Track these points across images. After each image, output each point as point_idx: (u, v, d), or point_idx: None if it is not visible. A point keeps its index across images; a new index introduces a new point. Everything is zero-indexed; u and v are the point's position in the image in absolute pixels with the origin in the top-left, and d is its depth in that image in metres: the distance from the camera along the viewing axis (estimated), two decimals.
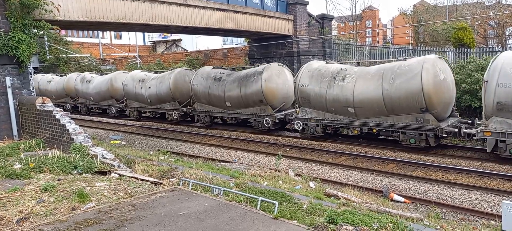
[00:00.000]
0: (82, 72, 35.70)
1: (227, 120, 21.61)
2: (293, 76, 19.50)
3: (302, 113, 17.64)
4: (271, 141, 17.99)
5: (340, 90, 15.82)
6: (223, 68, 22.42)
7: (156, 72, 26.48)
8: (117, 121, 27.31)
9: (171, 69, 25.71)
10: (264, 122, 19.12)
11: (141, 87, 25.07)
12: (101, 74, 31.04)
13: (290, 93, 19.42)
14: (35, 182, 8.38)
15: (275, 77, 19.16)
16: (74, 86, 31.30)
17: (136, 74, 26.49)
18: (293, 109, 19.26)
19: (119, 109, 28.25)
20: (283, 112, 19.35)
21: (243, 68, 21.98)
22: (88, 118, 30.14)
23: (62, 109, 12.61)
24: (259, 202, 6.95)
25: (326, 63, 17.63)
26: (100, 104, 30.11)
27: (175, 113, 23.60)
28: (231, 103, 20.30)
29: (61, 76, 35.02)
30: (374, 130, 15.60)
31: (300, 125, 17.66)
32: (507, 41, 30.78)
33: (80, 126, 11.98)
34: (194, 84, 21.86)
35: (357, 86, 15.35)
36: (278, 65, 20.29)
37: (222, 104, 20.76)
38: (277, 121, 18.94)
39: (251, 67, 20.73)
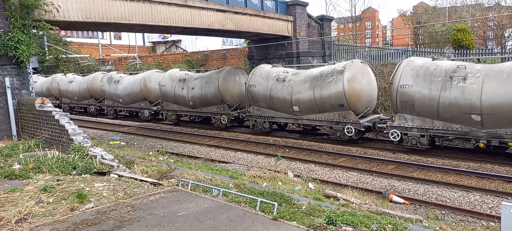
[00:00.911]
0: (82, 72, 35.47)
1: (294, 126, 18.82)
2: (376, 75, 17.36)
3: (400, 121, 14.77)
4: (270, 142, 17.98)
5: (461, 93, 12.94)
6: (285, 66, 19.99)
7: (197, 71, 24.60)
8: (116, 122, 27.29)
9: (219, 68, 22.79)
10: (346, 130, 16.23)
11: (182, 88, 22.49)
12: (131, 74, 28.27)
13: (375, 96, 17.08)
14: (34, 183, 8.36)
15: (359, 77, 16.15)
16: (100, 87, 28.66)
17: (175, 73, 23.98)
18: (376, 116, 17.05)
19: (152, 112, 25.39)
20: (369, 118, 16.48)
21: (313, 66, 19.17)
22: (88, 118, 30.08)
23: (60, 109, 12.58)
24: (258, 203, 6.95)
25: (433, 59, 14.75)
26: (131, 107, 27.08)
27: (224, 118, 21.03)
28: (299, 108, 17.45)
29: (83, 76, 32.61)
30: (510, 143, 12.59)
31: (398, 135, 14.88)
32: (506, 42, 30.82)
33: (79, 126, 11.97)
34: (252, 86, 19.13)
35: (486, 88, 12.49)
36: (361, 62, 17.18)
37: (288, 108, 17.95)
38: (362, 129, 16.05)
39: (324, 65, 18.09)
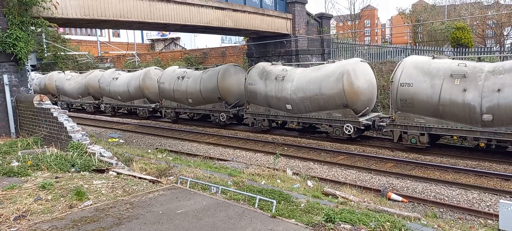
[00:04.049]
0: (80, 70, 35.04)
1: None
2: None
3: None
4: (269, 140, 17.98)
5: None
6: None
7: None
8: (114, 119, 27.23)
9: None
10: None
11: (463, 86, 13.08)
12: (298, 65, 20.28)
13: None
14: (33, 180, 8.35)
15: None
16: (246, 85, 19.90)
17: (426, 62, 14.45)
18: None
19: (362, 128, 16.35)
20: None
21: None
22: (86, 115, 29.97)
23: (59, 107, 12.54)
24: (257, 200, 6.95)
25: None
26: (310, 118, 17.70)
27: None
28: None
29: (197, 69, 24.57)
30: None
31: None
32: (505, 41, 30.85)
33: (77, 124, 11.95)
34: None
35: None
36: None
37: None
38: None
39: None
